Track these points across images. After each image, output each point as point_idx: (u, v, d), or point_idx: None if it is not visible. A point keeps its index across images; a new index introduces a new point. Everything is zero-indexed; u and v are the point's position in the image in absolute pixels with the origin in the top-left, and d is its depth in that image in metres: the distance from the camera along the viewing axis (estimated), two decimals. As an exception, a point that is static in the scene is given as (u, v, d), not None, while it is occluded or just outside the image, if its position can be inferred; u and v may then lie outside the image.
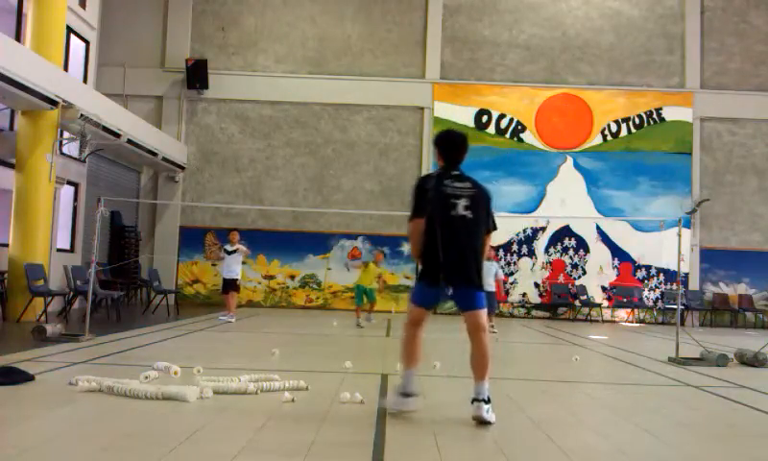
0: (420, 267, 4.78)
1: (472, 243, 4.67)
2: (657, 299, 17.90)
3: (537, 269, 18.02)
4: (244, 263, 13.15)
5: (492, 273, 12.87)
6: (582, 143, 18.24)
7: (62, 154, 13.41)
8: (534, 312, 18.01)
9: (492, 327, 12.57)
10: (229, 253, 12.38)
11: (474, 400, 4.55)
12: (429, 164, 18.03)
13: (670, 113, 18.28)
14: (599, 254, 18.04)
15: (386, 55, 18.42)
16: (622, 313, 18.15)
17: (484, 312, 4.72)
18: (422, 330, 4.82)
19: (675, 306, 14.07)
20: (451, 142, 4.88)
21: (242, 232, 13.44)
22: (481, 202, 4.73)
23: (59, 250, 14.06)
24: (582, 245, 18.07)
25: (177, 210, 17.92)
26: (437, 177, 4.74)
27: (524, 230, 18.05)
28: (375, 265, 13.23)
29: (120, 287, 14.43)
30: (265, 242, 17.34)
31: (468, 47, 18.45)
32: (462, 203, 4.64)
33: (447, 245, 4.57)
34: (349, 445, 3.92)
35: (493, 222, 4.86)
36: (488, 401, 4.55)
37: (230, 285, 12.42)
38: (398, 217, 17.81)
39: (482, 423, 4.44)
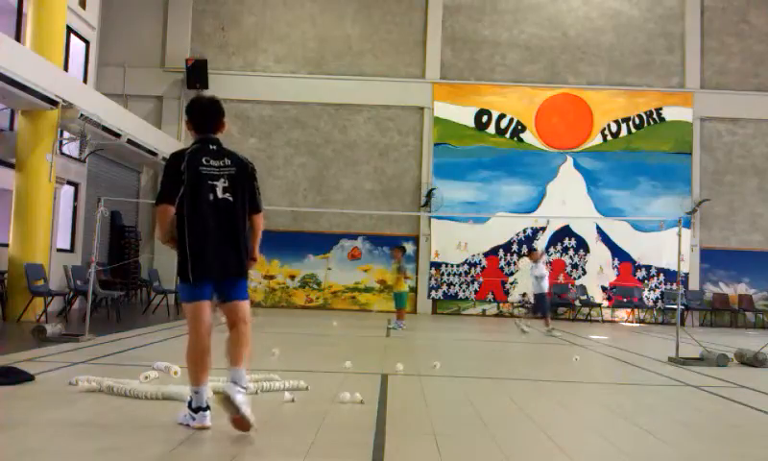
0: (179, 261, 4.09)
1: (235, 230, 4.10)
2: (657, 299, 17.90)
3: (537, 269, 17.99)
4: None
5: (545, 275, 12.77)
6: (582, 143, 18.23)
7: (62, 154, 13.41)
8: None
9: (551, 329, 12.46)
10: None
11: (234, 382, 3.96)
12: (429, 164, 18.04)
13: (670, 113, 18.28)
14: (599, 254, 18.04)
15: (386, 55, 18.42)
16: (622, 313, 18.15)
17: (247, 303, 4.19)
18: (210, 333, 4.07)
19: (675, 306, 14.06)
20: (201, 109, 4.25)
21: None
22: (243, 181, 4.16)
23: (59, 250, 14.05)
24: (582, 245, 18.07)
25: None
26: (190, 153, 4.09)
27: (524, 230, 18.05)
28: (397, 264, 12.51)
29: (120, 287, 14.42)
30: (265, 242, 17.17)
31: (467, 47, 18.45)
32: (220, 184, 4.07)
33: (206, 234, 4.02)
34: (349, 445, 3.92)
35: (257, 203, 4.26)
36: (245, 389, 4.02)
37: None
38: (398, 217, 17.82)
39: (234, 409, 3.86)
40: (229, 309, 4.16)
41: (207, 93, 4.32)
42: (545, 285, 12.81)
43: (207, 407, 4.04)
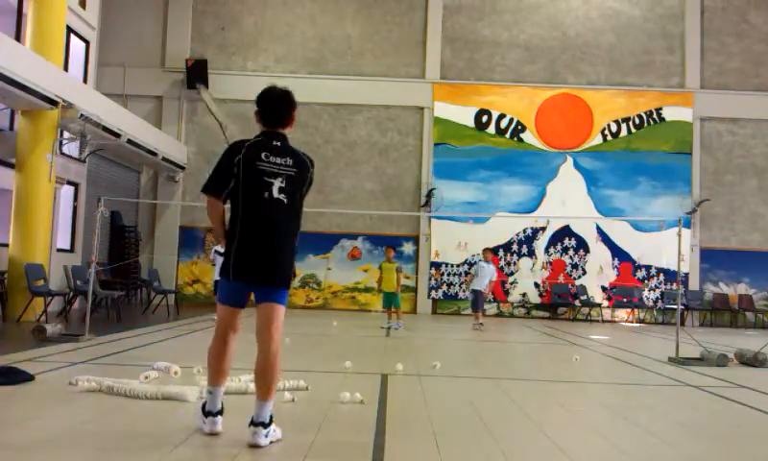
0: (224, 258, 3.92)
1: (287, 234, 3.84)
2: (657, 299, 17.90)
3: (537, 269, 18.01)
4: None
5: (488, 275, 12.94)
6: (582, 143, 18.24)
7: (62, 154, 13.41)
8: (534, 312, 18.01)
9: (481, 324, 12.81)
10: (221, 254, 12.25)
11: (252, 422, 3.75)
12: (429, 164, 18.04)
13: (670, 113, 18.28)
14: (599, 254, 18.04)
15: (386, 55, 18.42)
16: (622, 313, 18.15)
17: (280, 309, 3.88)
18: (234, 338, 3.95)
19: (675, 306, 14.07)
20: (272, 100, 3.93)
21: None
22: (302, 183, 3.90)
23: (59, 250, 14.06)
24: (582, 245, 18.07)
25: (177, 210, 17.92)
26: (249, 145, 3.85)
27: (524, 231, 18.05)
28: (389, 263, 12.46)
29: (120, 287, 14.42)
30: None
31: (468, 47, 18.45)
32: (277, 183, 3.80)
33: (256, 235, 3.78)
34: (349, 445, 3.92)
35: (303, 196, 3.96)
36: (270, 423, 3.77)
37: None
38: (398, 217, 17.81)
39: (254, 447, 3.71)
40: (260, 311, 3.86)
41: (280, 87, 3.99)
42: (486, 284, 13.04)
43: (219, 412, 3.92)
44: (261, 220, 3.80)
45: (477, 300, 13.23)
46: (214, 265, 12.22)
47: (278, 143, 3.89)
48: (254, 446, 3.69)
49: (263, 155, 3.82)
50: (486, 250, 13.41)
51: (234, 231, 3.82)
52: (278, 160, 3.83)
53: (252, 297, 3.91)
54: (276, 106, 3.94)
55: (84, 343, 8.15)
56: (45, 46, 11.51)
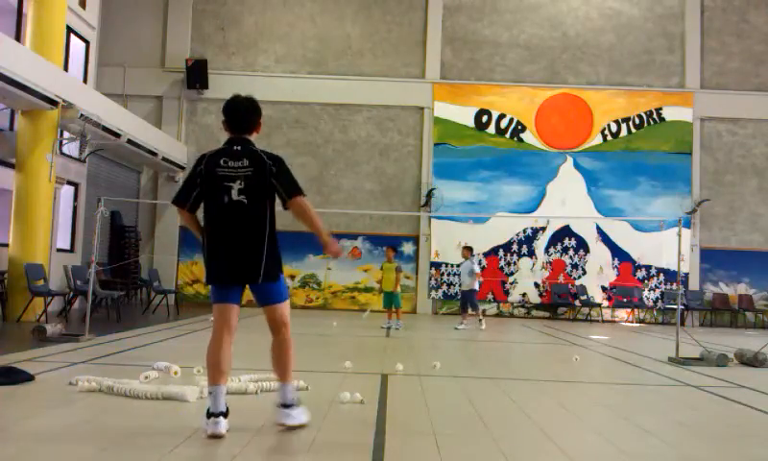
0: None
1: (248, 234, 3.96)
2: (657, 299, 17.90)
3: (537, 269, 18.01)
4: None
5: (466, 272, 13.05)
6: (582, 143, 18.24)
7: (62, 154, 13.41)
8: (534, 312, 18.01)
9: (462, 324, 12.89)
10: None
11: (281, 405, 4.06)
12: (429, 164, 18.04)
13: (670, 113, 18.28)
14: (599, 254, 18.04)
15: (386, 55, 18.42)
16: (622, 313, 18.15)
17: (285, 305, 4.12)
18: (230, 337, 4.04)
19: (675, 306, 14.06)
20: (232, 107, 4.10)
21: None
22: (262, 180, 3.97)
23: (59, 250, 14.06)
24: (582, 245, 18.07)
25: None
26: (210, 155, 4.06)
27: (524, 231, 18.05)
28: (389, 263, 12.45)
29: (120, 287, 14.42)
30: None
31: (468, 47, 18.45)
32: (236, 186, 3.94)
33: (221, 239, 3.99)
34: (349, 445, 3.92)
35: (291, 188, 4.02)
36: (293, 405, 4.07)
37: None
38: (398, 217, 17.81)
39: (291, 428, 4.02)
40: (266, 314, 4.11)
41: (243, 93, 4.24)
42: (468, 282, 13.15)
43: (223, 413, 3.88)
44: (223, 224, 4.00)
45: (461, 301, 13.59)
46: None
47: (238, 147, 4.03)
48: (281, 425, 4.04)
49: (221, 161, 3.99)
50: (464, 249, 13.63)
51: (203, 238, 4.09)
52: (235, 164, 3.97)
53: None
54: (235, 114, 4.10)
55: (84, 343, 8.15)
56: (45, 46, 11.51)
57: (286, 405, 4.05)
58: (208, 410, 3.91)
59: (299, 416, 4.08)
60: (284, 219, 15.70)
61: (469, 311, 13.34)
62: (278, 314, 4.08)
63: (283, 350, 4.10)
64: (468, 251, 13.51)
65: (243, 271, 3.98)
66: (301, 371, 6.37)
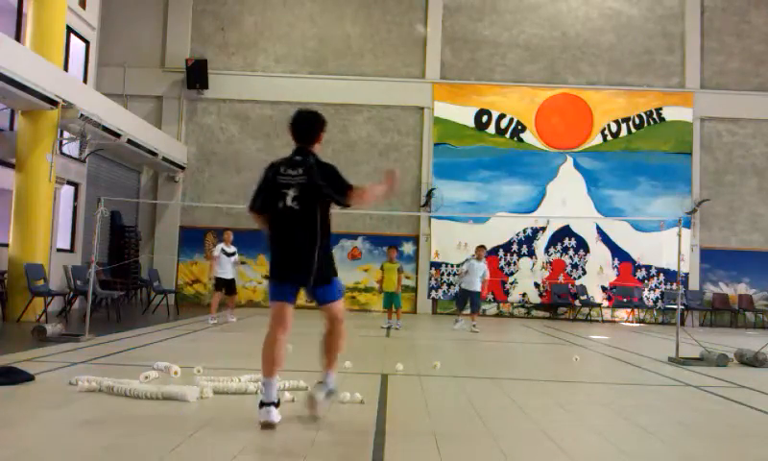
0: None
1: (300, 239, 4.24)
2: (657, 299, 17.90)
3: (537, 269, 18.01)
4: (243, 263, 13.14)
5: (478, 273, 12.81)
6: (582, 143, 18.24)
7: (62, 154, 13.41)
8: (534, 312, 18.01)
9: (475, 326, 12.61)
10: (229, 255, 12.30)
11: (320, 382, 4.39)
12: (429, 164, 18.04)
13: (670, 113, 18.29)
14: (599, 254, 18.04)
15: (386, 55, 18.42)
16: (622, 313, 18.15)
17: (341, 303, 4.47)
18: (284, 333, 4.29)
19: (675, 306, 14.06)
20: (294, 120, 4.47)
21: (242, 233, 13.46)
22: (313, 187, 4.27)
23: (59, 250, 14.06)
24: (582, 245, 18.07)
25: (177, 210, 17.92)
26: (276, 163, 4.42)
27: (524, 231, 18.05)
28: (391, 263, 12.39)
29: (120, 287, 14.42)
30: (265, 242, 17.29)
31: (468, 47, 18.45)
32: (291, 193, 4.27)
33: (279, 242, 4.32)
34: (349, 445, 3.92)
35: (342, 186, 4.43)
36: (331, 391, 4.42)
37: (226, 285, 12.33)
38: (398, 217, 17.81)
39: (313, 406, 4.29)
40: (323, 311, 4.42)
41: (307, 108, 4.63)
42: (476, 283, 12.83)
43: (274, 403, 4.12)
44: (280, 228, 4.32)
45: (462, 298, 13.24)
46: (217, 260, 12.27)
47: (298, 157, 4.36)
48: (311, 400, 4.30)
49: (281, 169, 4.34)
50: (479, 247, 13.16)
51: (269, 240, 4.40)
52: (293, 172, 4.31)
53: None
54: (297, 126, 4.45)
55: (84, 343, 8.15)
56: (45, 46, 11.50)
57: (324, 386, 4.37)
58: (261, 401, 4.15)
59: (326, 403, 4.37)
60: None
61: (467, 311, 13.24)
62: (334, 312, 4.41)
63: (336, 340, 4.44)
64: (482, 250, 13.09)
65: (296, 273, 4.28)
66: (302, 371, 6.39)
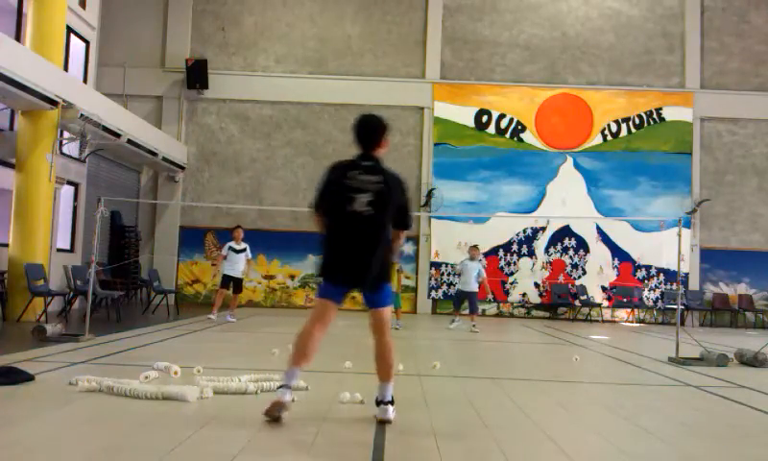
0: (321, 260, 4.50)
1: (369, 243, 4.31)
2: (657, 299, 17.90)
3: (537, 269, 18.01)
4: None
5: (473, 273, 12.81)
6: (582, 143, 18.24)
7: (62, 154, 13.41)
8: (534, 312, 18.01)
9: (474, 326, 12.57)
10: (237, 251, 12.36)
11: (379, 402, 4.40)
12: (429, 164, 18.04)
13: (670, 113, 18.29)
14: (599, 254, 18.04)
15: (386, 55, 18.42)
16: (622, 313, 18.15)
17: (388, 310, 4.52)
18: (322, 330, 4.42)
19: (675, 306, 14.07)
20: (361, 126, 4.54)
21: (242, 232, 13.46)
22: (393, 197, 4.35)
23: (59, 250, 14.06)
24: (582, 245, 18.07)
25: (177, 210, 17.92)
26: (341, 165, 4.44)
27: (524, 231, 18.05)
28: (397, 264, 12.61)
29: (120, 287, 14.43)
30: (265, 242, 17.34)
31: (468, 47, 18.45)
32: (364, 198, 4.28)
33: (341, 243, 4.34)
34: (349, 445, 3.92)
35: (405, 220, 4.50)
36: (392, 403, 4.41)
37: (234, 283, 12.42)
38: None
39: (385, 422, 4.33)
40: (370, 316, 4.45)
41: (371, 113, 4.77)
42: (472, 283, 12.83)
43: (287, 386, 4.28)
44: (344, 230, 4.34)
45: (458, 299, 13.27)
46: (225, 258, 12.33)
47: (370, 163, 4.41)
48: (385, 421, 4.32)
49: (351, 173, 4.35)
50: (472, 247, 13.23)
51: (325, 241, 4.42)
52: (367, 178, 4.33)
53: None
54: (363, 132, 4.52)
55: (84, 343, 8.15)
56: (45, 46, 11.50)
57: (385, 402, 4.37)
58: (281, 384, 4.33)
59: (392, 413, 4.38)
60: (284, 218, 15.79)
61: (464, 312, 13.24)
62: (380, 317, 4.42)
63: (386, 352, 4.41)
64: (476, 250, 13.14)
65: (354, 276, 4.36)
66: (301, 371, 6.37)
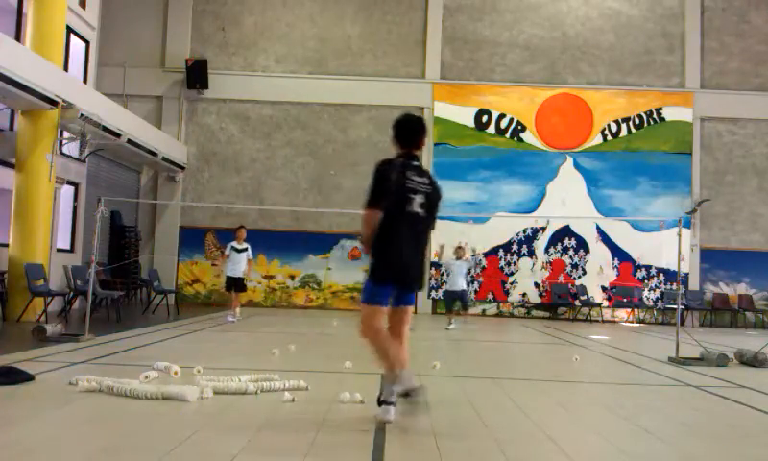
0: (372, 263, 4.41)
1: (422, 244, 4.50)
2: (657, 299, 17.90)
3: (537, 269, 18.01)
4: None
5: (461, 272, 12.87)
6: (582, 143, 18.24)
7: (62, 154, 13.41)
8: (534, 312, 18.01)
9: (466, 322, 12.63)
10: (239, 251, 12.39)
11: (383, 402, 4.36)
12: (429, 164, 18.02)
13: (670, 113, 18.28)
14: (599, 254, 18.04)
15: (386, 55, 18.42)
16: (622, 313, 18.15)
17: (412, 308, 4.64)
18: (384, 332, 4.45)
19: (675, 306, 14.06)
20: (409, 126, 4.58)
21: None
22: (435, 200, 4.51)
23: (59, 250, 14.06)
24: (582, 245, 18.07)
25: (177, 210, 17.92)
26: (401, 164, 4.43)
27: (524, 231, 18.05)
28: None
29: (120, 287, 14.43)
30: (265, 242, 17.34)
31: (468, 47, 18.45)
32: (418, 199, 4.38)
33: (404, 244, 4.35)
34: (349, 445, 3.92)
35: (435, 222, 4.65)
36: (394, 403, 4.39)
37: (235, 284, 12.45)
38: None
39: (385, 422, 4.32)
40: (398, 314, 4.48)
41: (414, 113, 4.85)
42: (459, 283, 12.92)
43: (394, 403, 4.26)
44: (404, 231, 4.35)
45: (448, 300, 13.27)
46: (228, 258, 12.34)
47: (417, 163, 4.50)
48: (386, 422, 4.31)
49: (408, 173, 4.40)
50: (457, 248, 13.29)
51: (384, 241, 4.35)
52: (419, 179, 4.44)
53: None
54: (414, 130, 4.56)
55: (84, 343, 8.15)
56: (45, 46, 11.51)
57: (389, 402, 4.35)
58: (379, 398, 4.37)
59: (393, 413, 4.35)
60: (285, 218, 15.81)
61: (457, 310, 13.22)
62: (408, 314, 4.56)
63: (405, 345, 4.53)
64: (461, 250, 13.22)
65: (413, 277, 4.44)
66: (302, 371, 6.38)
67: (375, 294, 4.37)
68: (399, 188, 4.34)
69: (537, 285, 18.02)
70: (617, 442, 4.22)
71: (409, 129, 4.56)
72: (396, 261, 4.35)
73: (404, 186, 4.34)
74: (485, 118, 18.22)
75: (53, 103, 11.43)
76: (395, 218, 4.34)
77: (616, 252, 18.04)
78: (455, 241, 14.81)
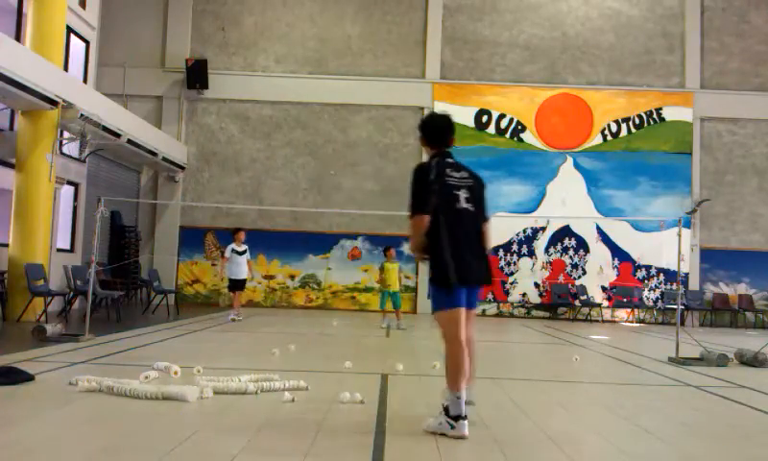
0: (433, 269, 4.25)
1: (478, 238, 4.34)
2: (657, 299, 17.90)
3: (537, 269, 18.01)
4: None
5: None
6: (582, 143, 18.24)
7: (62, 154, 13.41)
8: (534, 312, 18.00)
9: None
10: (240, 253, 12.43)
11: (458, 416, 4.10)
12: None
13: (670, 113, 18.28)
14: (599, 254, 18.04)
15: (386, 55, 18.42)
16: (622, 313, 18.15)
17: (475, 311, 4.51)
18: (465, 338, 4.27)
19: (675, 306, 14.06)
20: (439, 125, 4.60)
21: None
22: (480, 192, 4.46)
23: (59, 250, 14.06)
24: (582, 245, 18.07)
25: (177, 210, 17.92)
26: (437, 165, 4.37)
27: (524, 230, 18.05)
28: (392, 262, 12.38)
29: (120, 287, 14.43)
30: (265, 242, 17.34)
31: (468, 47, 18.45)
32: (462, 194, 4.32)
33: (459, 242, 4.21)
34: (349, 445, 3.92)
35: (486, 212, 4.55)
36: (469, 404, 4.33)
37: (239, 285, 12.60)
38: (399, 217, 17.78)
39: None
40: (468, 316, 4.34)
41: (439, 111, 4.85)
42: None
43: (466, 416, 4.07)
44: (461, 228, 4.26)
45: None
46: (228, 260, 12.35)
47: (452, 160, 4.46)
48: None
49: (447, 171, 4.36)
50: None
51: (439, 244, 4.22)
52: (459, 175, 4.39)
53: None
54: (444, 129, 4.58)
55: (84, 343, 8.15)
56: (45, 46, 11.51)
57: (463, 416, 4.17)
58: (448, 412, 4.07)
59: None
60: (284, 218, 15.81)
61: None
62: (474, 317, 4.42)
63: (471, 355, 4.31)
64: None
65: (478, 273, 4.30)
66: (302, 371, 6.39)
67: (448, 299, 4.20)
68: (442, 187, 4.27)
69: (537, 285, 18.02)
70: (617, 442, 4.22)
71: (438, 128, 4.58)
72: (457, 261, 4.18)
73: (446, 185, 4.28)
74: (485, 118, 18.22)
75: (53, 103, 11.43)
76: (445, 218, 4.23)
77: (616, 252, 18.04)
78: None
